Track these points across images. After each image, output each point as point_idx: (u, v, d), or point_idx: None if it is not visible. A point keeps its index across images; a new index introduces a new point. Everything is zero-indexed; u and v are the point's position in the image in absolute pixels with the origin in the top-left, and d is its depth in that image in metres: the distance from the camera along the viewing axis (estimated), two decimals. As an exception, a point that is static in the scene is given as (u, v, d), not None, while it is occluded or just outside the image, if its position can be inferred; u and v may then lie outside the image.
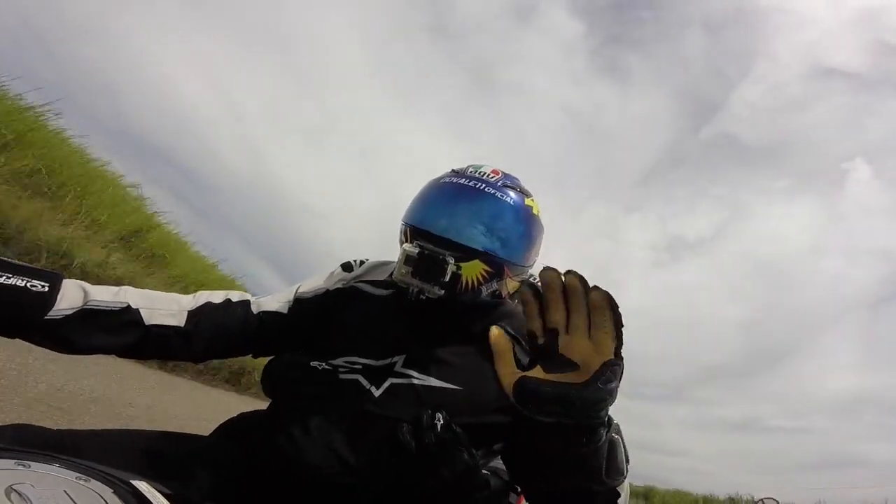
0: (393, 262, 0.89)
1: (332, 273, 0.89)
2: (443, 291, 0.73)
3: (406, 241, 0.79)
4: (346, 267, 0.89)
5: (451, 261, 0.73)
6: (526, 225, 0.81)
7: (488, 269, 0.76)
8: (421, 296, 0.74)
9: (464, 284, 0.75)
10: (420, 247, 0.74)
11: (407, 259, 0.73)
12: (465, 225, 0.75)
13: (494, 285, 0.78)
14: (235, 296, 0.84)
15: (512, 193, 0.80)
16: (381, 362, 0.75)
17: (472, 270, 0.75)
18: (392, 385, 0.73)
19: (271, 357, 0.88)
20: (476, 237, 0.75)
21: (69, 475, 0.49)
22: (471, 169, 0.83)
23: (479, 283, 0.76)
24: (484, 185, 0.79)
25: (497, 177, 0.82)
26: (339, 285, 0.87)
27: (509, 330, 0.78)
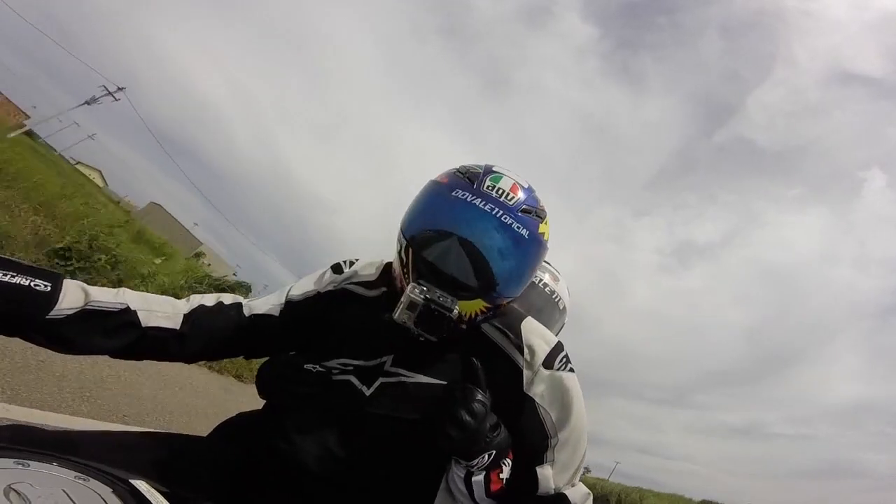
0: (381, 260, 0.89)
1: (323, 275, 0.89)
2: (443, 335, 0.71)
3: (406, 267, 0.75)
4: (336, 269, 0.89)
5: (455, 310, 0.69)
6: (535, 259, 0.77)
7: (488, 305, 0.75)
8: (420, 338, 0.72)
9: (460, 318, 0.73)
10: (426, 297, 0.69)
11: (410, 305, 0.69)
12: (476, 268, 0.72)
13: (490, 314, 0.77)
14: (227, 298, 0.84)
15: (529, 221, 0.74)
16: (371, 362, 0.75)
17: (472, 307, 0.74)
18: (382, 384, 0.74)
19: (265, 359, 0.89)
20: (486, 282, 0.72)
21: (68, 474, 0.49)
22: (488, 182, 0.75)
23: (476, 317, 0.75)
24: (502, 213, 0.72)
25: (516, 198, 0.74)
26: (330, 287, 0.87)
27: (498, 325, 0.79)
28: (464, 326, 0.75)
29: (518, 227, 0.72)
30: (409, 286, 0.70)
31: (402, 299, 0.69)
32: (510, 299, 0.77)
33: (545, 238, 0.78)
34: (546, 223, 0.79)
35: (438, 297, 0.69)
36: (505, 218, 0.72)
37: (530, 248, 0.74)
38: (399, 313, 0.69)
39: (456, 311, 0.69)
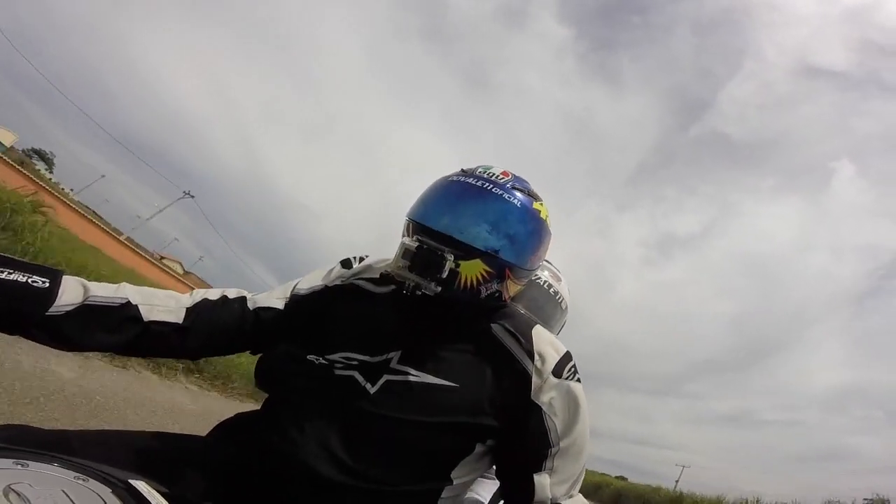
0: (391, 258, 0.89)
1: (331, 270, 0.89)
2: (440, 288, 0.72)
3: (407, 236, 0.78)
4: (346, 264, 0.89)
5: (450, 257, 0.71)
6: (531, 228, 0.79)
7: (489, 269, 0.75)
8: (417, 291, 0.73)
9: (462, 283, 0.73)
10: (419, 241, 0.72)
11: (405, 252, 0.72)
12: (467, 223, 0.74)
13: (495, 286, 0.76)
14: (232, 292, 0.83)
15: (519, 195, 0.79)
16: (376, 358, 0.74)
17: (472, 269, 0.74)
18: (388, 382, 0.72)
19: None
20: (478, 236, 0.73)
21: (67, 475, 0.49)
22: (480, 169, 0.81)
23: (479, 283, 0.75)
24: (491, 186, 0.77)
25: (506, 178, 0.80)
26: (338, 282, 0.87)
27: (509, 328, 0.78)
28: (464, 290, 0.74)
29: (508, 197, 0.77)
30: (404, 238, 0.75)
31: (396, 251, 0.74)
32: (511, 266, 0.77)
33: (542, 216, 0.81)
34: (542, 205, 0.82)
35: (432, 242, 0.72)
36: (494, 189, 0.77)
37: (524, 216, 0.78)
38: (394, 263, 0.74)
39: (451, 259, 0.71)
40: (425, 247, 0.72)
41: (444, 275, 0.71)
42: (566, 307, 1.37)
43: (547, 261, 1.37)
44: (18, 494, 0.42)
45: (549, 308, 1.31)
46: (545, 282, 1.31)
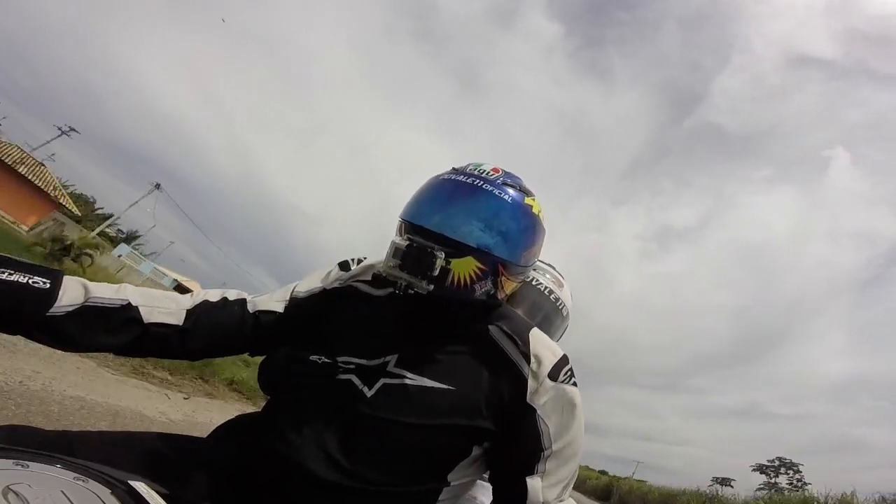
0: None
1: (329, 272, 0.89)
2: (431, 286, 0.71)
3: (399, 235, 0.78)
4: (344, 266, 0.89)
5: (441, 255, 0.71)
6: (523, 223, 0.78)
7: (481, 266, 0.74)
8: (409, 290, 0.73)
9: (454, 280, 0.73)
10: (410, 240, 0.72)
11: (395, 251, 0.72)
12: (458, 220, 0.73)
13: (489, 284, 0.76)
14: (232, 294, 0.83)
15: (511, 191, 0.78)
16: (373, 362, 0.74)
17: (464, 267, 0.73)
18: (384, 385, 0.72)
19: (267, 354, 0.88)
20: (469, 233, 0.73)
21: (67, 475, 0.49)
22: (471, 166, 0.81)
23: (472, 281, 0.74)
24: (482, 182, 0.76)
25: (497, 174, 0.79)
26: (336, 284, 0.87)
27: (506, 330, 0.78)
28: (458, 289, 0.74)
29: (499, 194, 0.76)
30: (394, 238, 0.74)
31: (387, 251, 0.73)
32: (504, 262, 0.76)
33: (534, 211, 0.80)
34: (534, 200, 0.82)
35: (422, 240, 0.72)
36: (485, 186, 0.76)
37: (516, 212, 0.77)
38: (385, 263, 0.73)
39: (441, 256, 0.71)
40: (415, 245, 0.72)
41: (436, 273, 0.71)
42: (567, 313, 1.35)
43: (550, 265, 1.35)
44: (17, 495, 0.42)
45: (549, 314, 1.29)
46: (546, 287, 1.30)
